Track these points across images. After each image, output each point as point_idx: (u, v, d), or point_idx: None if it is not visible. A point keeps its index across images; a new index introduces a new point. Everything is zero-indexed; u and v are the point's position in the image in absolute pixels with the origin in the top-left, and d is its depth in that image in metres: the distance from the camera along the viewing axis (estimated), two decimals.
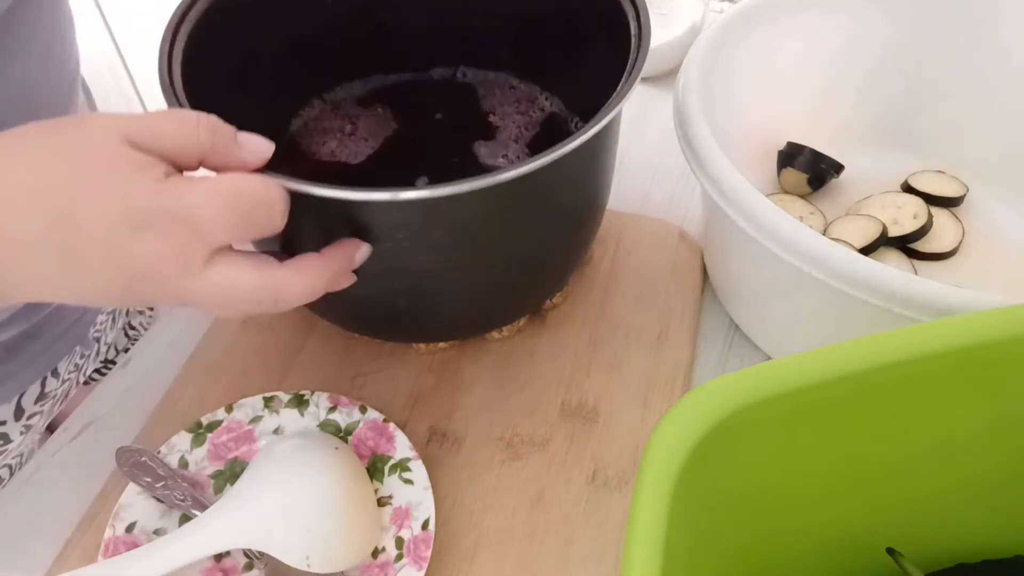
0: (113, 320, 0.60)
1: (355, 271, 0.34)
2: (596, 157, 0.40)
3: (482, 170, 0.48)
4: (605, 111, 0.34)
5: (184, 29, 0.37)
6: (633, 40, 0.39)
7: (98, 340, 0.58)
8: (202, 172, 0.29)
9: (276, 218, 0.29)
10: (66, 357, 0.54)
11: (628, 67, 0.37)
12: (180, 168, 0.28)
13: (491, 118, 0.52)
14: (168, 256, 0.27)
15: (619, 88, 0.36)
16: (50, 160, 0.27)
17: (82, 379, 0.58)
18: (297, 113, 0.51)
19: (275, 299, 0.30)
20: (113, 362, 0.64)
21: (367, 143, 0.51)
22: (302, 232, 0.32)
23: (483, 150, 0.50)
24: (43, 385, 0.52)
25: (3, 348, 0.48)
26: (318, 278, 0.31)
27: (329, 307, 0.36)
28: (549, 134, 0.51)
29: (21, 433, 0.52)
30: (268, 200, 0.29)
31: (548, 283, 0.47)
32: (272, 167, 0.31)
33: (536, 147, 0.50)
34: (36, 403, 0.52)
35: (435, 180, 0.46)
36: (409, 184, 0.46)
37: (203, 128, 0.28)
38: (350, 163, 0.50)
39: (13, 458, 0.54)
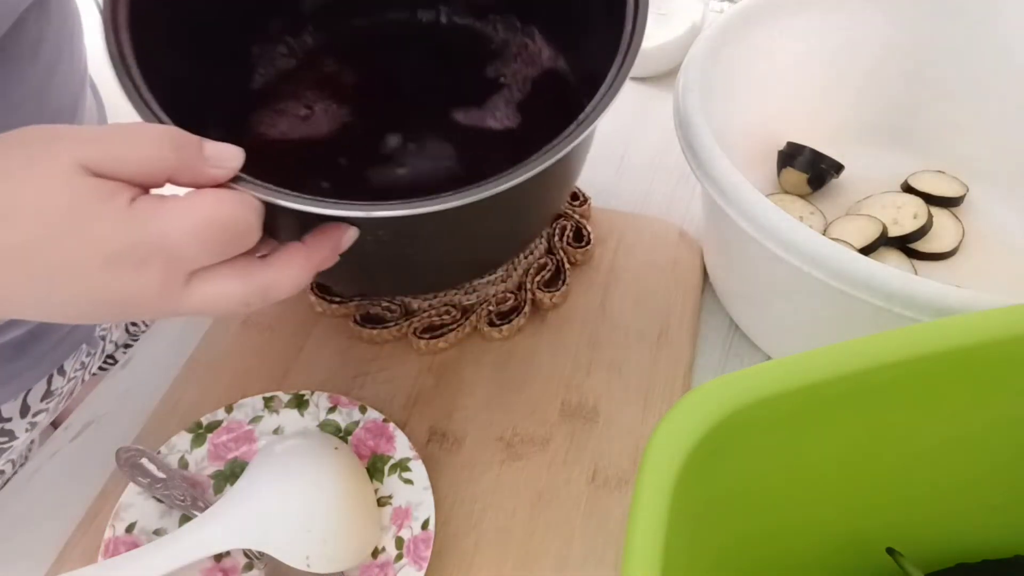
0: None
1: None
2: (581, 150, 0.40)
3: (465, 132, 0.46)
4: (593, 114, 0.33)
5: None
6: (626, 33, 0.36)
7: (103, 339, 0.58)
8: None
9: (252, 236, 0.28)
10: (72, 355, 0.54)
11: (618, 60, 0.35)
12: (146, 187, 0.27)
13: (485, 71, 0.50)
14: (146, 286, 0.27)
15: (607, 87, 0.34)
16: (9, 212, 0.25)
17: (87, 376, 0.58)
18: (263, 50, 0.48)
19: (263, 299, 0.29)
20: (113, 358, 0.64)
21: (337, 112, 0.48)
22: (279, 230, 0.32)
23: (466, 113, 0.48)
24: (49, 383, 0.52)
25: (9, 347, 0.48)
26: (304, 269, 0.30)
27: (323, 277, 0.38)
28: (540, 89, 0.49)
29: (27, 430, 0.53)
30: (243, 222, 0.28)
31: (526, 242, 0.50)
32: (239, 132, 0.30)
33: (527, 105, 0.48)
34: (42, 400, 0.53)
35: (415, 145, 0.45)
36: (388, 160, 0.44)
37: (166, 146, 0.27)
38: (321, 130, 0.47)
39: (18, 454, 0.54)
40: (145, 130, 0.28)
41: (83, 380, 0.58)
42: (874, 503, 0.32)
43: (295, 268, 0.30)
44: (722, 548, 0.29)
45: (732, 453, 0.26)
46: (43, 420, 0.54)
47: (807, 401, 0.26)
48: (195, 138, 0.28)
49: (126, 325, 0.65)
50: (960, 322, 0.27)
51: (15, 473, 0.57)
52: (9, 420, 0.51)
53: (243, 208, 0.28)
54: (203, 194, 0.27)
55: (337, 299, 0.51)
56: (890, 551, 0.32)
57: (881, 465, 0.30)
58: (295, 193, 0.29)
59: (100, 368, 0.62)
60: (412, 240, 0.36)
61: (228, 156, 0.29)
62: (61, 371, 0.53)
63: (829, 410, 0.27)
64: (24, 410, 0.51)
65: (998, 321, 0.27)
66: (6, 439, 0.51)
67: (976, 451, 0.31)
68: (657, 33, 0.71)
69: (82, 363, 0.56)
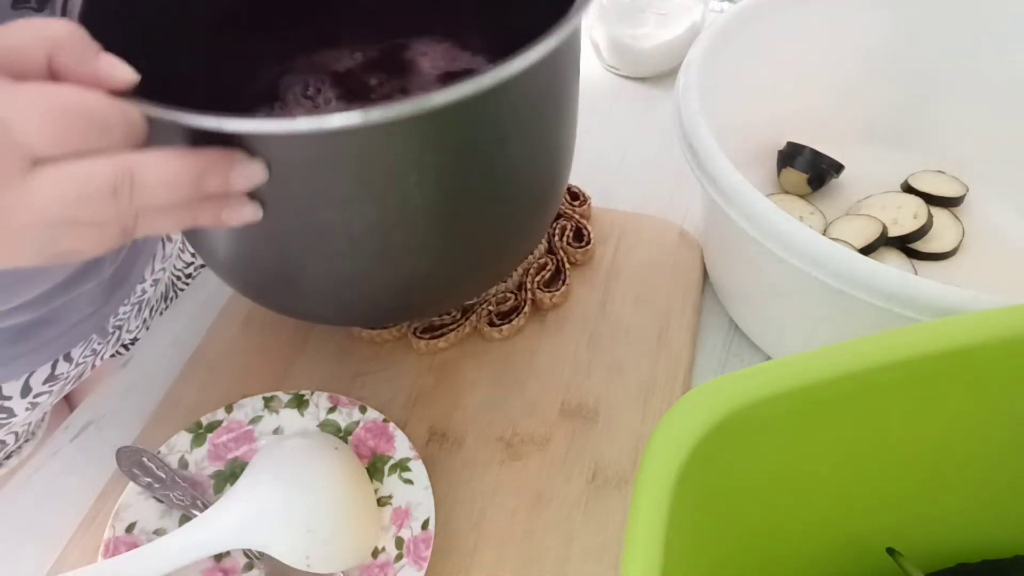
0: (139, 310, 0.60)
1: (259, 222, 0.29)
2: (561, 80, 0.35)
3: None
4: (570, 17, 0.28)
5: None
6: None
7: (119, 328, 0.58)
8: None
9: (118, 132, 0.25)
10: (81, 344, 0.54)
11: None
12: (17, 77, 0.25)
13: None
14: None
15: None
16: None
17: (98, 362, 0.58)
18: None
19: (131, 181, 0.25)
20: (127, 347, 0.64)
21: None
22: None
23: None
24: (54, 368, 0.53)
25: (15, 331, 0.48)
26: (183, 161, 0.26)
27: (230, 270, 0.33)
28: None
29: (27, 409, 0.53)
30: (111, 115, 0.25)
31: (494, 259, 0.39)
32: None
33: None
34: (45, 383, 0.53)
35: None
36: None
37: (55, 28, 0.25)
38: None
39: (21, 428, 0.55)
40: (37, 21, 0.25)
41: (93, 366, 0.58)
42: (874, 503, 0.32)
43: (174, 156, 0.26)
44: (722, 548, 0.29)
45: (732, 453, 0.26)
46: (45, 401, 0.54)
47: (807, 401, 0.26)
48: (91, 41, 0.26)
49: (144, 318, 0.64)
50: (960, 322, 0.27)
51: (18, 446, 0.58)
52: (9, 399, 0.51)
53: (113, 106, 0.25)
54: (68, 84, 0.25)
55: None
56: (890, 551, 0.32)
57: (881, 465, 0.30)
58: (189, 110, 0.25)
59: (115, 354, 0.62)
60: (337, 202, 0.30)
61: (122, 69, 0.26)
62: (68, 357, 0.53)
63: (829, 410, 0.27)
64: (25, 391, 0.52)
65: (998, 321, 0.27)
66: (5, 415, 0.52)
67: (976, 451, 0.31)
68: (657, 33, 0.71)
69: (92, 350, 0.56)
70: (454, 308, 0.49)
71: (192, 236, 0.39)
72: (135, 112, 0.25)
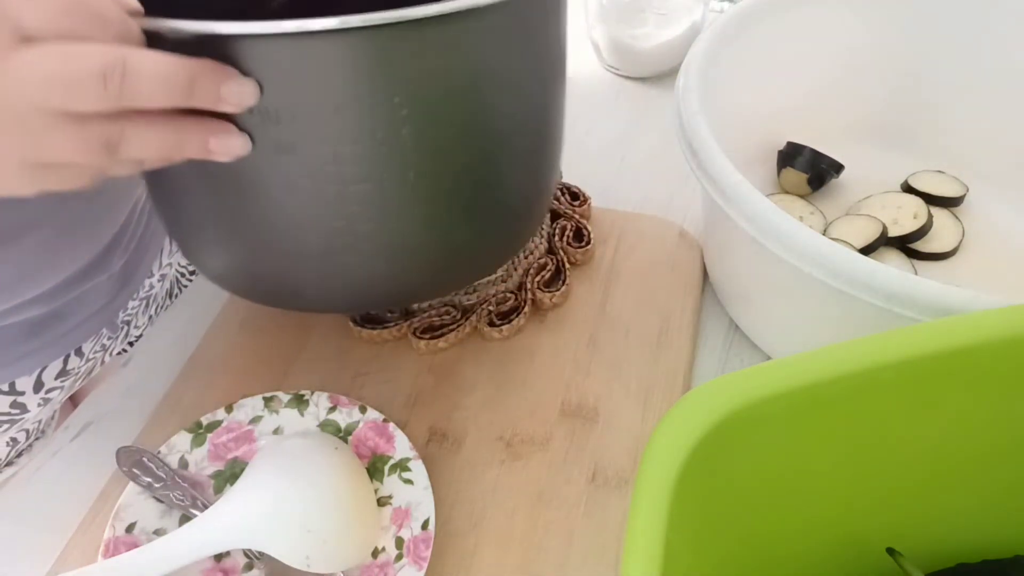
0: (146, 305, 0.60)
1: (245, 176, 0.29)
2: (544, 33, 0.35)
3: None
4: None
5: None
6: None
7: (128, 324, 0.58)
8: None
9: (110, 31, 0.25)
10: (92, 338, 0.54)
11: None
12: None
13: None
14: None
15: None
16: None
17: (107, 358, 0.59)
18: None
19: (123, 69, 0.25)
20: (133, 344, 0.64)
21: None
22: None
23: None
24: (65, 362, 0.53)
25: (28, 326, 0.48)
26: (177, 61, 0.26)
27: (223, 257, 0.33)
28: None
29: (39, 405, 0.53)
30: (99, 8, 0.25)
31: (489, 230, 0.37)
32: None
33: None
34: (57, 379, 0.53)
35: None
36: None
37: None
38: None
39: (32, 425, 0.55)
40: None
41: (102, 362, 0.58)
42: (874, 503, 0.32)
43: (166, 57, 0.25)
44: (722, 548, 0.29)
45: (732, 453, 0.26)
46: (57, 396, 0.55)
47: (807, 401, 0.26)
48: None
49: (150, 314, 0.65)
50: (960, 322, 0.27)
51: (29, 444, 0.58)
52: (23, 394, 0.51)
53: (111, 3, 0.25)
54: None
55: None
56: (890, 551, 0.32)
57: (881, 465, 0.30)
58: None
59: (122, 351, 0.62)
60: (327, 136, 0.30)
61: None
62: (79, 352, 0.54)
63: (829, 410, 0.27)
64: (38, 386, 0.52)
65: (998, 321, 0.27)
66: (18, 411, 0.52)
67: (976, 451, 0.31)
68: (657, 33, 0.71)
69: (103, 345, 0.56)
70: (453, 291, 0.49)
71: (184, 240, 0.38)
72: (132, 21, 0.25)
